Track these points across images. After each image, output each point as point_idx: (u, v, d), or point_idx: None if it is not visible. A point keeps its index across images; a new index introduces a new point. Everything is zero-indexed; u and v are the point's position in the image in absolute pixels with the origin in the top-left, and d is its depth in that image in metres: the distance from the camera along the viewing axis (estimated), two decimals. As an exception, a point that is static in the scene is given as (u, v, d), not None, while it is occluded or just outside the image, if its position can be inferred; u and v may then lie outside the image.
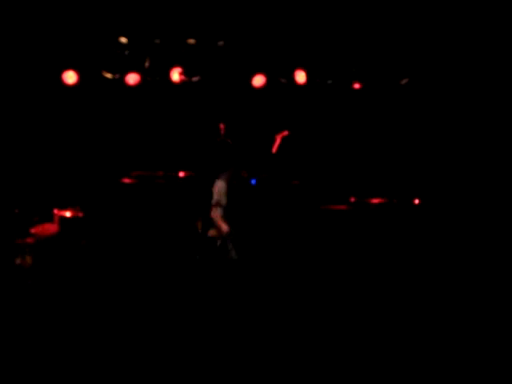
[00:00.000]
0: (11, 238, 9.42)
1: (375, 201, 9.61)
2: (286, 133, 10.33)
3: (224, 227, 9.45)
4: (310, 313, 8.01)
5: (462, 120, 11.32)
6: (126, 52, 11.20)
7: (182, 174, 10.69)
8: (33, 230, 9.48)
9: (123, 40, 11.17)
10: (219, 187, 9.52)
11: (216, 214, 9.47)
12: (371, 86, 11.47)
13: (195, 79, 11.33)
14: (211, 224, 9.51)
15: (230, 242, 9.44)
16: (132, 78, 11.20)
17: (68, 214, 9.76)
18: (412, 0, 11.07)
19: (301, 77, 11.37)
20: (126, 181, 10.49)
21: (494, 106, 11.24)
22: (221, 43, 11.30)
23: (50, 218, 9.68)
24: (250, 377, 6.18)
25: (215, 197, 9.50)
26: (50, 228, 9.60)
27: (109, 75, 11.17)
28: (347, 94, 11.52)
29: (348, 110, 11.56)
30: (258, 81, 11.36)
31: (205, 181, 10.36)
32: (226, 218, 9.46)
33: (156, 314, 7.82)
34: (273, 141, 10.29)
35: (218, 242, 9.48)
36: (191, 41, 11.26)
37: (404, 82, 11.46)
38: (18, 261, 9.27)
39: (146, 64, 11.25)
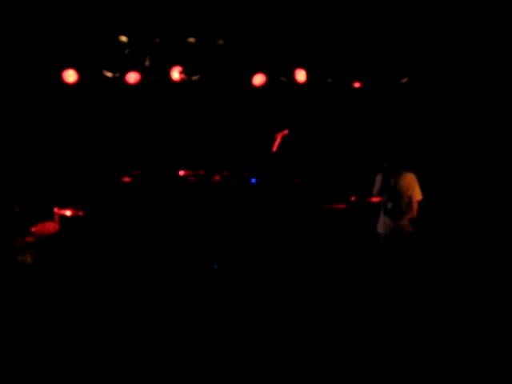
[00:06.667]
0: (11, 236, 9.42)
1: (375, 200, 9.59)
2: (286, 132, 10.33)
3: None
4: (310, 312, 8.01)
5: (462, 119, 11.33)
6: (127, 51, 11.19)
7: (182, 173, 10.68)
8: (33, 229, 9.48)
9: (123, 39, 11.16)
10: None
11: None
12: (371, 84, 11.47)
13: (195, 78, 11.32)
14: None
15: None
16: (132, 77, 11.20)
17: (68, 212, 9.76)
18: (412, 0, 11.08)
19: (301, 76, 11.37)
20: (127, 180, 10.48)
21: (494, 105, 11.25)
22: (221, 42, 11.30)
23: (50, 216, 9.67)
24: (250, 377, 6.18)
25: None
26: (51, 227, 9.60)
27: (109, 74, 11.16)
28: (347, 92, 11.52)
29: (348, 109, 11.57)
30: (259, 79, 11.36)
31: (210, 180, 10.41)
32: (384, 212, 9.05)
33: (156, 314, 7.82)
34: (273, 140, 10.29)
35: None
36: (191, 40, 11.25)
37: (404, 80, 11.46)
38: (19, 259, 9.27)
39: (147, 63, 11.25)
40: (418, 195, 8.92)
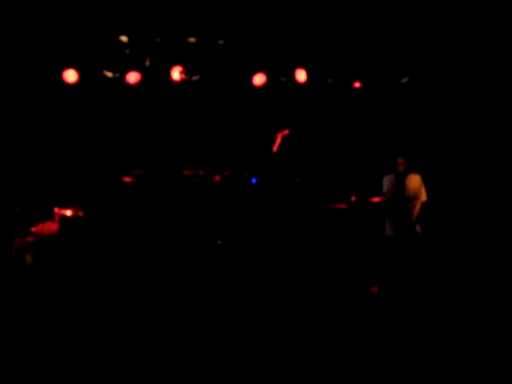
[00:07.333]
0: (11, 236, 9.43)
1: (376, 200, 9.59)
2: (286, 132, 10.32)
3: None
4: (311, 311, 8.01)
5: (462, 119, 11.33)
6: (127, 51, 11.19)
7: (182, 173, 10.67)
8: (33, 229, 9.48)
9: (124, 39, 11.15)
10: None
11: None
12: (371, 84, 11.46)
13: (196, 78, 11.32)
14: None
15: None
16: (132, 77, 11.20)
17: (68, 212, 9.75)
18: (412, 0, 11.07)
19: (301, 75, 11.36)
20: (127, 180, 10.47)
21: (494, 105, 11.24)
22: (221, 42, 11.29)
23: (50, 216, 9.67)
24: (250, 377, 6.18)
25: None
26: (51, 227, 9.60)
27: (109, 74, 11.16)
28: (348, 92, 11.52)
29: (348, 109, 11.56)
30: (259, 79, 11.35)
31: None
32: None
33: (156, 314, 7.82)
34: (273, 140, 10.28)
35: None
36: (192, 39, 11.24)
37: (404, 80, 11.46)
38: (19, 259, 9.28)
39: (147, 63, 11.24)
40: (423, 196, 9.00)
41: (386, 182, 9.24)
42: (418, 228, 9.01)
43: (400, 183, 9.02)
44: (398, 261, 8.93)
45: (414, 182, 9.03)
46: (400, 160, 9.12)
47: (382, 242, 9.19)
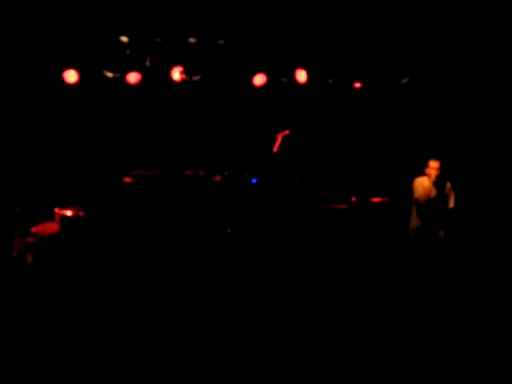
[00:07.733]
0: (12, 236, 9.42)
1: (376, 200, 9.60)
2: (287, 132, 10.33)
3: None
4: (310, 312, 8.01)
5: (462, 119, 11.33)
6: (127, 51, 11.19)
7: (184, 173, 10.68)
8: (34, 229, 9.47)
9: (124, 39, 11.15)
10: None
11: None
12: (372, 85, 11.47)
13: (196, 78, 11.32)
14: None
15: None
16: (133, 77, 11.20)
17: (69, 213, 9.75)
18: (412, 0, 11.08)
19: (302, 76, 11.37)
20: (127, 180, 10.47)
21: (494, 105, 11.25)
22: (222, 42, 11.29)
23: (51, 217, 9.67)
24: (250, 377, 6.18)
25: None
26: (51, 227, 9.59)
27: (110, 74, 11.16)
28: (348, 93, 11.52)
29: (349, 109, 11.57)
30: (259, 80, 11.36)
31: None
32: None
33: (156, 314, 7.83)
34: (274, 140, 10.29)
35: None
36: (192, 40, 11.25)
37: (405, 81, 11.46)
38: (19, 260, 9.28)
39: (147, 63, 11.24)
40: (451, 203, 9.05)
41: (419, 187, 9.21)
42: (441, 233, 9.07)
43: (437, 190, 9.03)
44: (413, 260, 8.96)
45: (447, 188, 9.08)
46: (436, 164, 9.11)
47: (402, 239, 9.23)
